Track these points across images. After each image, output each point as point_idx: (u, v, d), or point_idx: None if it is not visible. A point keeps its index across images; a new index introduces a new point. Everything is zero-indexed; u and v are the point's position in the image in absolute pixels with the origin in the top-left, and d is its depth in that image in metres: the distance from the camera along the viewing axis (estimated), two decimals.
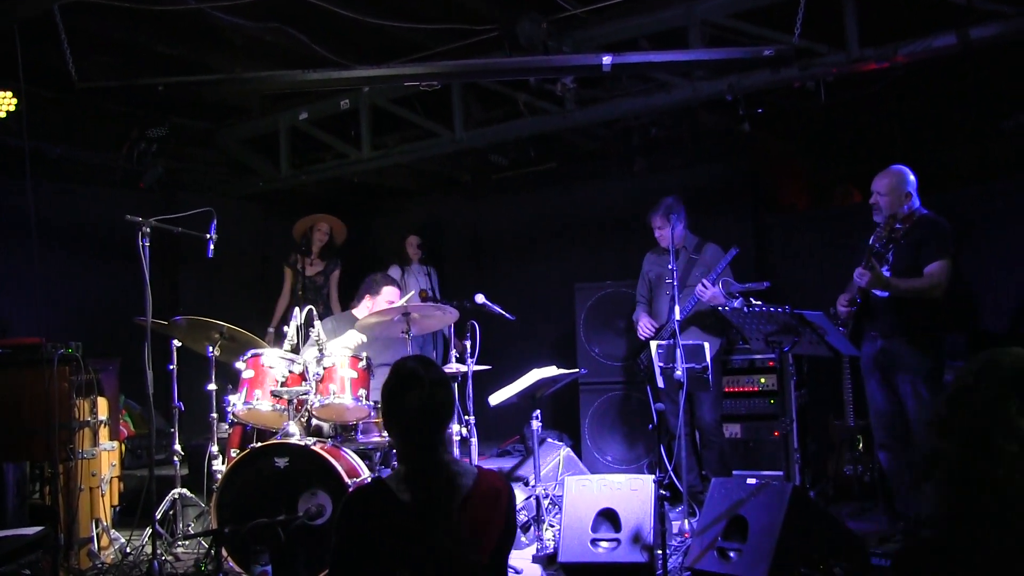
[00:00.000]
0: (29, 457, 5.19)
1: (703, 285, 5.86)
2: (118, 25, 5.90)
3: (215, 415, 5.53)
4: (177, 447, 5.62)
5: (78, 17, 5.39)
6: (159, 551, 4.96)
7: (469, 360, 5.54)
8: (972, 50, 5.31)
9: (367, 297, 6.30)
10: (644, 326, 6.27)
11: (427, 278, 8.41)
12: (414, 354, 2.83)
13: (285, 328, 5.64)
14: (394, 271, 8.25)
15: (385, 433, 5.43)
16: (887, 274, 4.99)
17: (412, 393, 2.54)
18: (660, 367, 5.61)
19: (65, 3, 5.02)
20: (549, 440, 6.84)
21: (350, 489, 4.72)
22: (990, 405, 1.53)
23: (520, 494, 5.75)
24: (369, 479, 4.94)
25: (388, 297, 6.24)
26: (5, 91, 5.90)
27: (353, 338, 5.98)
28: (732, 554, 4.47)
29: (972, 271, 6.39)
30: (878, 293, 5.09)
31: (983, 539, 1.49)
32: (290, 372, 5.20)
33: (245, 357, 5.27)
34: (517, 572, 4.90)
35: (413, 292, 7.12)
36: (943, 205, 5.40)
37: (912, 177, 5.11)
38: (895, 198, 5.08)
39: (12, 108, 5.91)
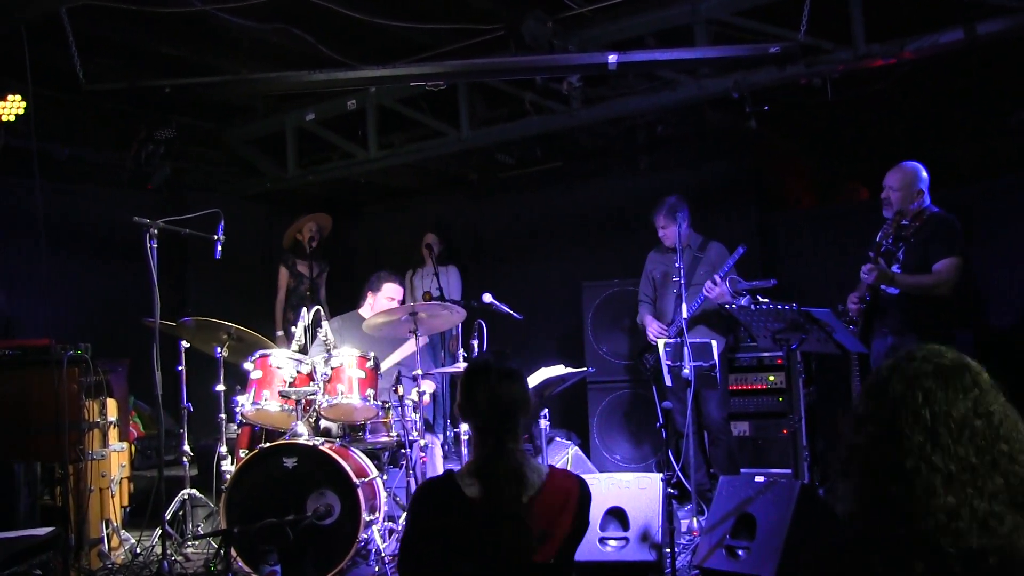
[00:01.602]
0: (39, 458, 5.20)
1: (711, 283, 5.85)
2: (125, 27, 5.92)
3: (224, 416, 5.54)
4: (186, 448, 5.64)
5: (85, 19, 5.41)
6: (169, 551, 4.97)
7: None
8: (979, 46, 5.29)
9: (368, 294, 6.31)
10: (654, 330, 6.23)
11: (444, 278, 8.38)
12: (495, 349, 2.81)
13: (293, 329, 5.65)
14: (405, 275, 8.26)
15: (393, 433, 5.44)
16: (897, 271, 4.99)
17: (481, 385, 2.57)
18: (668, 365, 5.61)
19: (72, 6, 5.03)
20: (557, 439, 6.84)
21: (357, 487, 4.73)
22: (900, 397, 1.57)
23: None
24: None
25: (388, 294, 6.23)
26: (14, 94, 5.93)
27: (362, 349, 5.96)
28: (740, 552, 4.46)
29: (978, 267, 6.37)
30: (887, 290, 5.08)
31: (893, 531, 1.52)
32: (298, 372, 5.21)
33: (253, 358, 5.29)
34: None
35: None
36: (949, 202, 5.38)
37: (925, 174, 5.11)
38: (907, 194, 5.07)
39: (21, 111, 5.94)
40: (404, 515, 2.35)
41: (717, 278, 5.83)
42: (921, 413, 1.55)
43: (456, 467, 4.46)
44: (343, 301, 7.84)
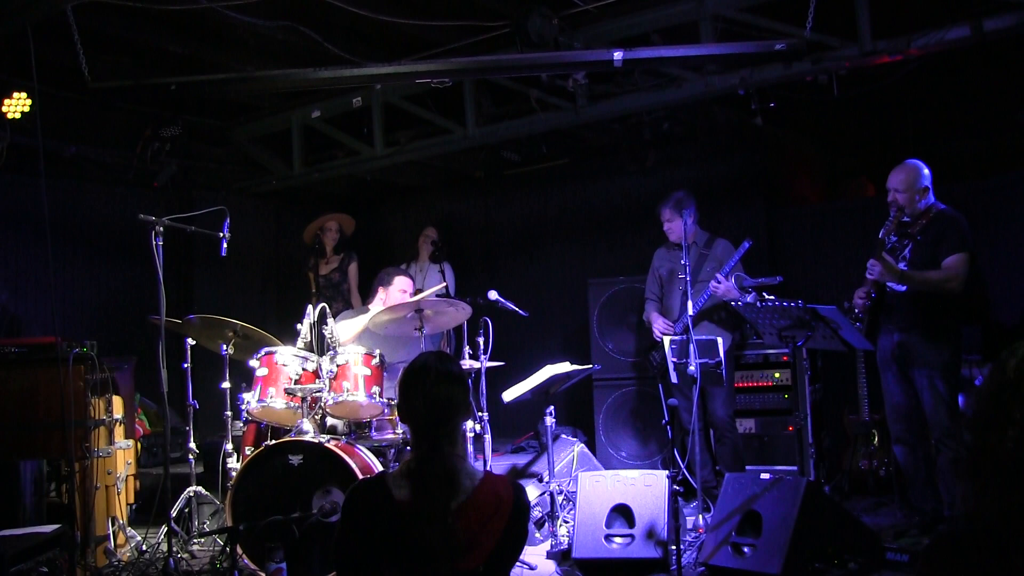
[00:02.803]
0: (45, 455, 5.22)
1: (716, 279, 5.83)
2: (131, 25, 5.93)
3: (229, 413, 5.54)
4: (192, 445, 5.65)
5: (91, 17, 5.42)
6: (175, 549, 4.98)
7: (483, 356, 5.54)
8: (986, 42, 5.27)
9: (380, 290, 6.31)
10: (659, 327, 6.21)
11: (439, 275, 8.38)
12: (433, 350, 2.76)
13: (298, 326, 5.66)
14: (402, 268, 8.25)
15: (399, 430, 5.45)
16: (903, 269, 4.97)
17: (419, 386, 2.52)
18: (673, 362, 5.60)
19: (78, 4, 5.04)
20: (563, 436, 6.84)
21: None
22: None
23: (534, 490, 5.76)
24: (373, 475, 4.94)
25: (401, 286, 6.24)
26: (20, 92, 5.95)
27: (357, 324, 5.95)
28: (746, 549, 4.46)
29: (985, 263, 6.35)
30: (894, 287, 5.06)
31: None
32: (304, 370, 5.21)
33: (259, 355, 5.29)
34: (531, 568, 4.91)
35: (436, 288, 7.04)
36: (956, 197, 5.37)
37: (927, 171, 5.07)
38: (911, 194, 5.04)
39: (27, 109, 5.96)
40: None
41: (720, 276, 5.81)
42: None
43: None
44: (365, 291, 7.84)
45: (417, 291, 7.80)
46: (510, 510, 2.47)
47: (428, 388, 2.50)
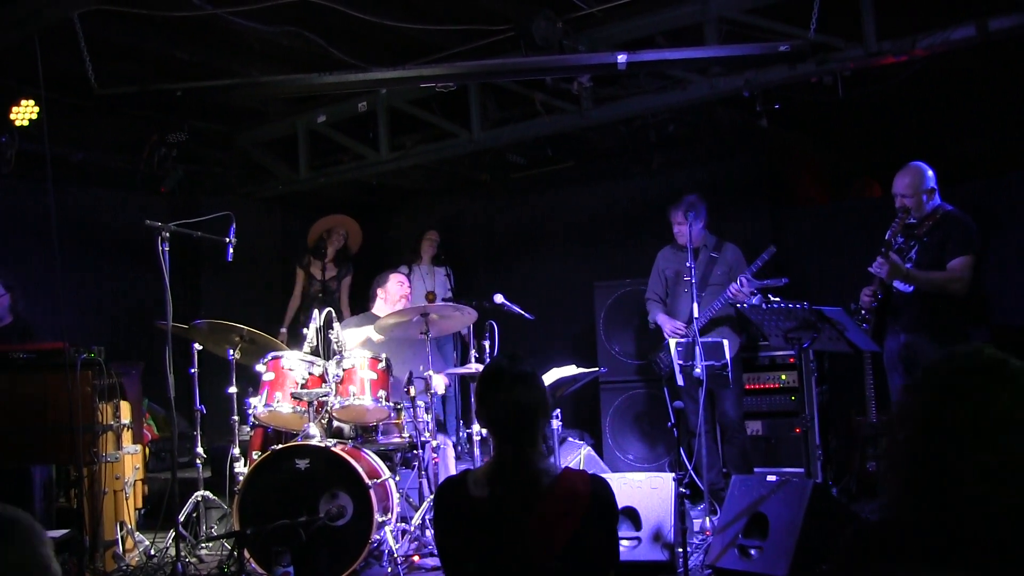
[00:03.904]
0: (54, 460, 5.24)
1: (737, 283, 5.81)
2: (136, 32, 5.94)
3: (236, 418, 5.56)
4: (199, 450, 5.66)
5: (97, 24, 5.44)
6: (183, 553, 4.99)
7: (489, 360, 5.55)
8: (992, 41, 5.26)
9: (378, 291, 6.33)
10: (671, 329, 6.19)
11: (446, 279, 8.39)
12: (508, 352, 2.75)
13: (304, 331, 5.67)
14: (402, 270, 8.27)
15: (405, 434, 5.45)
16: (908, 268, 4.97)
17: (495, 392, 2.56)
18: (680, 365, 5.60)
19: (84, 11, 5.06)
20: (570, 439, 6.83)
21: (369, 488, 4.74)
22: (941, 389, 1.57)
23: None
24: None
25: (397, 280, 6.30)
26: (27, 100, 5.97)
27: (365, 333, 5.98)
28: (753, 551, 4.45)
29: (992, 263, 6.33)
30: (900, 287, 5.06)
31: (931, 527, 1.52)
32: (310, 374, 5.22)
33: (265, 360, 5.31)
34: None
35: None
36: (962, 197, 5.35)
37: (931, 172, 5.07)
38: (918, 198, 5.04)
39: (34, 116, 5.98)
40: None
41: (743, 279, 5.79)
42: (960, 407, 1.54)
43: (470, 467, 4.48)
44: (356, 302, 7.88)
45: (430, 294, 7.84)
46: (587, 503, 2.47)
47: (505, 392, 2.53)
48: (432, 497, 2.65)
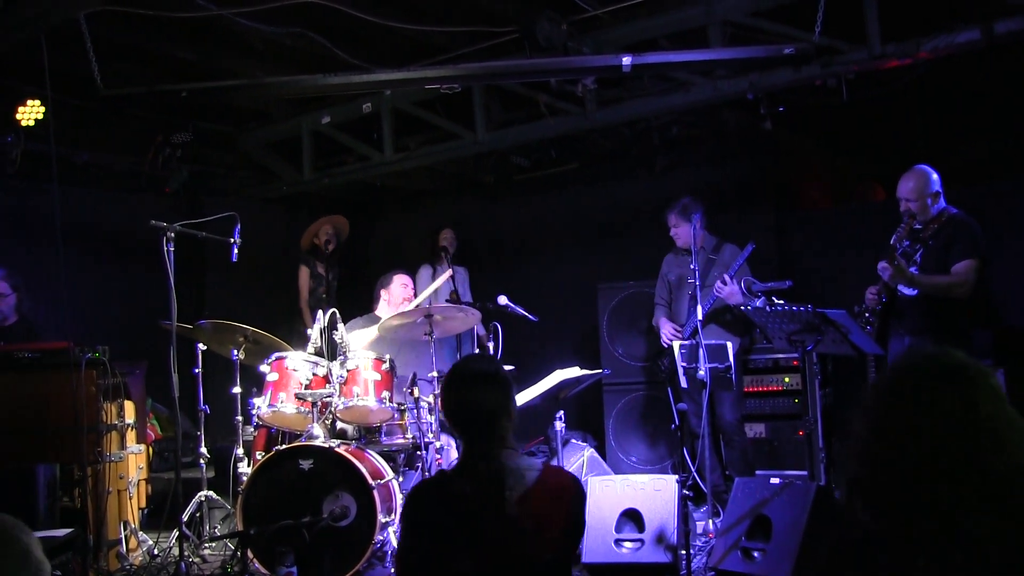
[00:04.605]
0: (58, 460, 5.24)
1: (722, 280, 5.84)
2: (142, 32, 5.96)
3: (240, 418, 5.57)
4: (203, 450, 5.67)
5: (103, 25, 5.46)
6: (186, 553, 5.00)
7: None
8: (997, 44, 5.25)
9: (382, 292, 6.33)
10: (668, 332, 6.20)
11: (465, 276, 8.40)
12: (476, 352, 2.78)
13: (308, 331, 5.67)
14: (425, 271, 8.27)
15: (409, 435, 5.45)
16: (914, 273, 4.96)
17: (456, 392, 2.58)
18: (683, 367, 5.60)
19: (90, 12, 5.07)
20: (573, 441, 6.83)
21: (373, 489, 4.74)
22: (898, 391, 1.59)
23: None
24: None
25: (401, 282, 6.28)
26: (33, 100, 5.99)
27: (370, 334, 5.97)
28: (756, 554, 4.45)
29: (996, 267, 6.32)
30: (904, 291, 5.06)
31: (891, 525, 1.54)
32: (314, 375, 5.23)
33: (269, 360, 5.31)
34: None
35: (442, 281, 7.00)
36: (966, 201, 5.34)
37: (936, 176, 5.06)
38: (923, 202, 5.03)
39: (40, 116, 6.00)
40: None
41: (727, 277, 5.81)
42: (915, 407, 1.56)
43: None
44: (360, 304, 7.86)
45: (453, 294, 7.84)
46: (572, 496, 2.55)
47: (466, 392, 2.56)
48: (409, 497, 2.61)
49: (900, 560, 1.51)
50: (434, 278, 8.10)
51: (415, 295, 6.49)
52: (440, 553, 2.45)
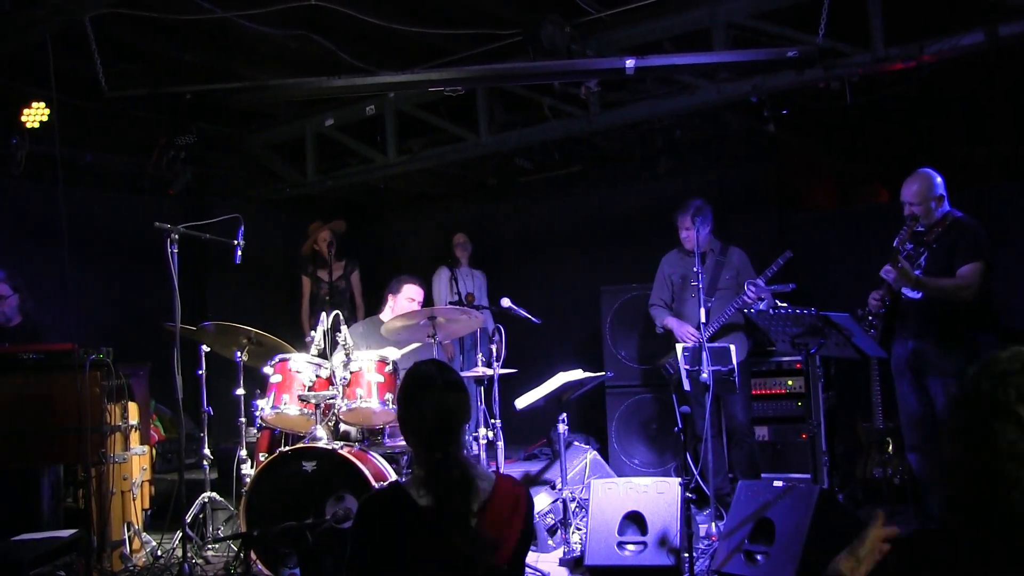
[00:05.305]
0: (62, 461, 5.26)
1: (753, 287, 5.81)
2: (146, 35, 5.98)
3: (244, 419, 5.57)
4: (207, 451, 5.68)
5: (108, 28, 5.47)
6: (189, 554, 5.00)
7: (496, 363, 5.55)
8: (1001, 47, 5.25)
9: (389, 297, 6.32)
10: (686, 332, 6.15)
11: (480, 280, 8.42)
12: (431, 358, 2.77)
13: (312, 333, 5.67)
14: (443, 273, 8.27)
15: None
16: (917, 275, 4.96)
17: (425, 397, 2.54)
18: (686, 370, 5.59)
19: (95, 14, 5.09)
20: (576, 443, 6.83)
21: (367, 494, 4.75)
22: (988, 396, 1.54)
23: (547, 498, 5.76)
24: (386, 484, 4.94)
25: (409, 295, 6.24)
26: (38, 102, 6.01)
27: (389, 354, 5.97)
28: (759, 557, 4.45)
29: (1001, 270, 6.32)
30: (908, 294, 5.06)
31: (989, 538, 1.51)
32: (317, 376, 5.23)
33: (273, 362, 5.31)
34: (544, 575, 4.90)
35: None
36: (970, 204, 5.34)
37: (940, 179, 5.05)
38: (927, 205, 5.03)
39: (45, 118, 6.02)
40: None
41: (753, 286, 5.80)
42: (1015, 411, 1.51)
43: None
44: (370, 300, 7.87)
45: (469, 296, 7.84)
46: (525, 506, 2.55)
47: (437, 397, 2.53)
48: (362, 509, 2.56)
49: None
50: (452, 280, 8.10)
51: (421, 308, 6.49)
52: (399, 567, 2.41)
